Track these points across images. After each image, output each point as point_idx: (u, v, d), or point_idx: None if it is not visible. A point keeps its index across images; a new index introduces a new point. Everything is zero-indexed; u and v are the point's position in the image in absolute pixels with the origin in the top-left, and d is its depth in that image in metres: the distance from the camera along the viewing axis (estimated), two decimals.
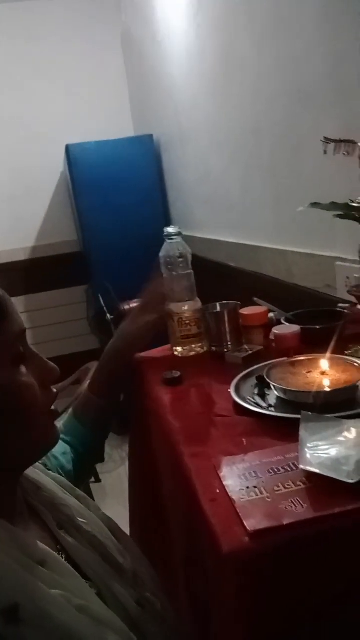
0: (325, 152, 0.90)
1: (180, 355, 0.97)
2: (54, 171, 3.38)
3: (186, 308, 0.95)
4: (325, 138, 0.90)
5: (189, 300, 0.96)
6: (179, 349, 0.97)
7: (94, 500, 0.69)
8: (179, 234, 0.96)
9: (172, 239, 0.96)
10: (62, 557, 0.56)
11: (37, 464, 0.63)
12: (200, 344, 0.97)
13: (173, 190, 2.99)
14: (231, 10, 1.74)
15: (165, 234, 0.96)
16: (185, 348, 0.96)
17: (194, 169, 2.53)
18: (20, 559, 0.50)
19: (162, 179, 3.06)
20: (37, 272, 3.41)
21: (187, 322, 0.94)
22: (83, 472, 0.87)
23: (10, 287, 0.56)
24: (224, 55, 1.89)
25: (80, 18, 3.22)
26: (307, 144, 1.41)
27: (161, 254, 0.96)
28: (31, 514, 0.59)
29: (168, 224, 3.04)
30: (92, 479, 2.50)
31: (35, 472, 0.62)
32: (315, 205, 1.01)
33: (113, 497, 2.36)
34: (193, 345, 0.96)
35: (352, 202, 0.92)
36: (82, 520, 0.61)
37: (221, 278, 2.14)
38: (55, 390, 0.58)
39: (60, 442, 0.81)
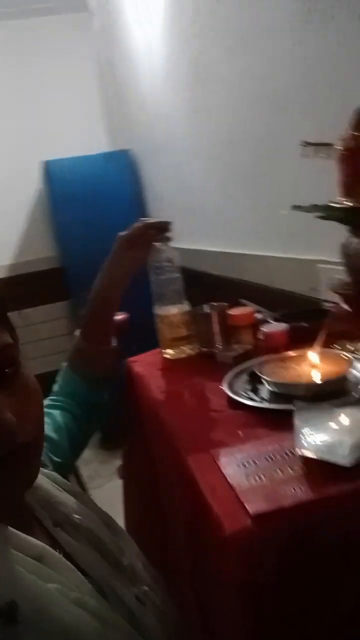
0: (304, 155, 0.93)
1: (171, 357, 0.98)
2: (31, 188, 3.39)
3: (176, 311, 0.96)
4: (304, 142, 0.93)
5: (177, 304, 0.97)
6: (170, 351, 0.98)
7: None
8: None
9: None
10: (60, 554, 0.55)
11: None
12: (190, 346, 0.98)
13: (153, 203, 3.03)
14: (201, 23, 1.79)
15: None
16: (176, 350, 0.98)
17: (170, 180, 2.56)
18: (15, 556, 0.49)
19: (140, 192, 3.09)
20: (16, 290, 3.38)
21: (177, 324, 0.96)
22: (79, 442, 0.85)
23: None
24: (196, 66, 1.94)
25: (52, 36, 3.26)
26: (284, 150, 1.45)
27: (149, 259, 0.98)
28: (27, 513, 0.58)
29: None
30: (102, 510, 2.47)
31: None
32: (296, 207, 1.04)
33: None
34: (183, 347, 0.98)
35: (333, 202, 0.96)
36: (77, 517, 0.60)
37: (206, 287, 2.16)
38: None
39: (53, 415, 0.81)
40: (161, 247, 0.96)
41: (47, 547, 0.53)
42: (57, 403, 0.85)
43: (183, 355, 0.97)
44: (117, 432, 1.09)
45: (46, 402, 0.85)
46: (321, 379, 0.74)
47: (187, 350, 0.98)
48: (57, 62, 3.30)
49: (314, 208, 1.01)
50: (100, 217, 2.94)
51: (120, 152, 3.05)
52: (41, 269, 3.44)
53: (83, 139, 3.28)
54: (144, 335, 1.11)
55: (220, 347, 0.96)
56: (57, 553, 0.53)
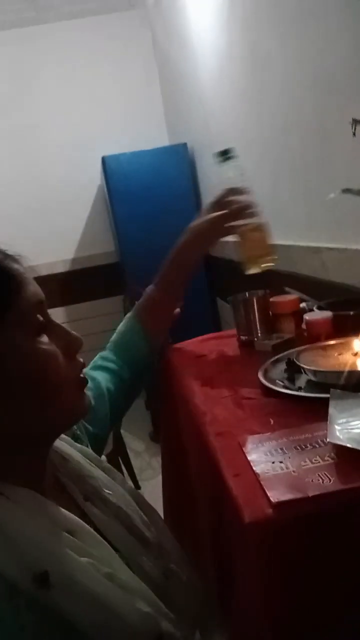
0: (354, 134, 0.88)
1: (260, 269, 0.93)
2: (92, 184, 3.46)
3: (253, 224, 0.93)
4: (353, 119, 0.88)
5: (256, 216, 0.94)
6: (254, 267, 0.93)
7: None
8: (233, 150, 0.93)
9: (230, 159, 0.93)
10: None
11: (64, 436, 0.63)
12: (273, 257, 0.94)
13: (207, 197, 3.01)
14: (257, 9, 1.75)
15: (220, 157, 0.93)
16: (258, 264, 0.93)
17: None
18: (50, 528, 0.51)
19: (196, 186, 3.08)
20: (75, 284, 3.48)
21: (257, 235, 0.93)
22: (120, 408, 0.86)
23: (49, 298, 0.57)
24: (251, 55, 1.90)
25: (111, 32, 3.31)
26: (337, 135, 1.39)
27: (221, 180, 0.94)
28: (58, 487, 0.60)
29: None
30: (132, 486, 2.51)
31: (62, 444, 0.62)
32: (346, 191, 0.99)
33: (152, 504, 2.35)
34: (266, 260, 0.94)
35: None
36: (108, 492, 0.61)
37: (254, 280, 2.12)
38: (81, 360, 0.58)
39: (97, 381, 0.83)
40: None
41: (80, 521, 0.54)
42: (106, 364, 0.87)
43: (267, 268, 0.92)
44: None
45: (97, 360, 0.88)
46: None
47: (270, 263, 0.93)
48: (116, 59, 3.35)
49: None
50: (157, 210, 2.96)
51: (177, 145, 3.05)
52: (100, 263, 3.52)
53: (144, 133, 3.31)
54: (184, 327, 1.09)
55: (260, 335, 0.92)
56: (89, 527, 0.54)
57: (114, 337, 0.93)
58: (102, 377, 0.84)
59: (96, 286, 3.50)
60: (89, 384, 0.80)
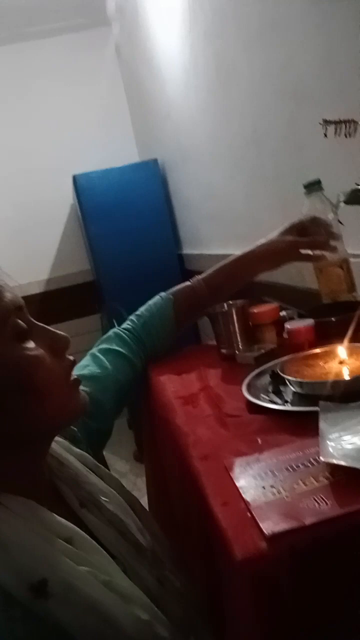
0: (325, 135, 0.86)
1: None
2: (65, 203, 3.42)
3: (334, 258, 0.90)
4: (324, 120, 0.85)
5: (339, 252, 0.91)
6: (349, 295, 0.92)
7: None
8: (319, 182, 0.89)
9: (317, 190, 0.90)
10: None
11: (62, 441, 0.62)
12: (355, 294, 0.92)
13: (180, 211, 2.99)
14: (219, 22, 1.74)
15: (306, 188, 0.91)
16: (352, 295, 0.91)
17: (197, 187, 2.52)
18: (47, 536, 0.50)
19: (169, 201, 3.06)
20: (52, 304, 3.41)
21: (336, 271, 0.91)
22: (124, 400, 0.85)
23: None
24: (215, 68, 1.89)
25: (75, 51, 3.30)
26: (308, 141, 1.38)
27: (306, 213, 0.91)
28: (54, 494, 0.58)
29: (177, 245, 3.04)
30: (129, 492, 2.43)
31: (60, 449, 0.61)
32: None
33: None
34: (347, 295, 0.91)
35: (358, 185, 0.87)
36: (104, 498, 0.59)
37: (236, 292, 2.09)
38: (72, 358, 0.56)
39: (109, 370, 0.81)
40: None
41: (77, 529, 0.53)
42: (122, 349, 0.86)
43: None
44: None
45: (114, 341, 0.87)
46: (350, 376, 0.65)
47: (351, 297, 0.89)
48: (82, 77, 3.33)
49: (339, 193, 0.93)
50: (130, 227, 2.92)
51: (148, 161, 3.03)
52: (76, 282, 3.46)
53: (114, 151, 3.29)
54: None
55: (241, 347, 0.88)
56: (86, 535, 0.54)
57: (143, 313, 0.92)
58: (114, 366, 0.83)
59: (73, 305, 3.44)
60: (98, 372, 0.81)
